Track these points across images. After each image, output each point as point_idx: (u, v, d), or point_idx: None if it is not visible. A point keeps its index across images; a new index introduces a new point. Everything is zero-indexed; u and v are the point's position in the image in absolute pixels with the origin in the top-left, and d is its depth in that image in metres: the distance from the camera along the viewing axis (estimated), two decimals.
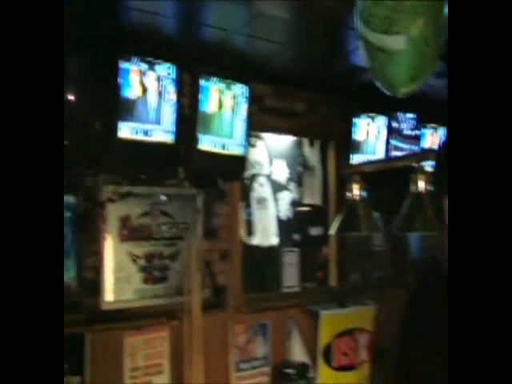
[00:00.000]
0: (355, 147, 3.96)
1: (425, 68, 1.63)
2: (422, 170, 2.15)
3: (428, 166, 2.23)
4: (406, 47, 1.50)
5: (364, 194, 2.50)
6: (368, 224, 2.42)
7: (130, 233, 3.13)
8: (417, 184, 2.19)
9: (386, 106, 3.91)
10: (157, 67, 2.98)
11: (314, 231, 4.16)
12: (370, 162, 2.66)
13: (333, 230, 2.50)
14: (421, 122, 4.35)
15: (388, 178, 2.68)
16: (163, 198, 3.25)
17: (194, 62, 3.21)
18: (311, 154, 4.20)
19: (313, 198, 4.18)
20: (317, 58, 3.44)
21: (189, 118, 3.16)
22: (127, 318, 3.06)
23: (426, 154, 2.95)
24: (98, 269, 3.00)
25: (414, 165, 2.24)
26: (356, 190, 2.48)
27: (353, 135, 3.95)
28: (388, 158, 3.11)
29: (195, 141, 3.13)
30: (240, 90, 3.34)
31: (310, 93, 3.99)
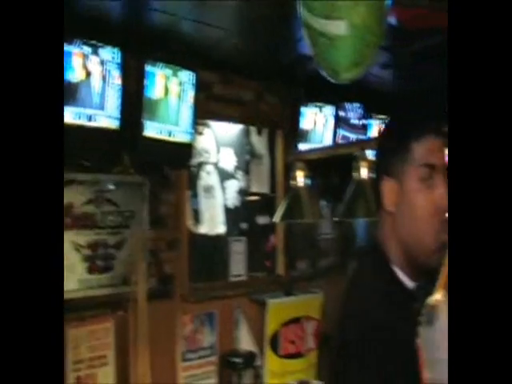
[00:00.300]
0: (303, 136, 3.98)
1: (366, 55, 1.64)
2: (363, 158, 2.18)
3: (371, 154, 2.27)
4: (347, 33, 1.51)
5: (308, 181, 2.51)
6: (312, 211, 2.43)
7: (73, 221, 3.03)
8: (359, 171, 2.23)
9: (334, 95, 3.94)
10: (100, 51, 2.89)
11: (262, 220, 4.16)
12: (313, 150, 2.66)
13: (277, 218, 2.49)
14: (368, 112, 4.41)
15: (332, 165, 2.70)
16: (109, 186, 3.17)
17: (140, 47, 3.14)
18: (259, 142, 4.19)
19: (260, 186, 4.18)
20: (264, 45, 3.42)
21: (134, 104, 3.09)
22: (70, 308, 2.97)
23: (367, 141, 2.99)
24: None
25: (357, 153, 2.28)
26: (300, 178, 2.48)
27: (300, 124, 3.97)
28: (331, 146, 3.14)
29: (140, 127, 3.06)
30: (187, 76, 3.29)
31: (257, 81, 3.98)
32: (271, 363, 3.86)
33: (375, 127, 4.53)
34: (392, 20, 3.25)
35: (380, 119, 4.56)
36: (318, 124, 4.07)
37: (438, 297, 1.45)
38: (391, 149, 1.21)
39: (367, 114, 4.41)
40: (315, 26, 1.53)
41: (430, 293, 1.24)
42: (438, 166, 1.15)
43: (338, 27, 1.49)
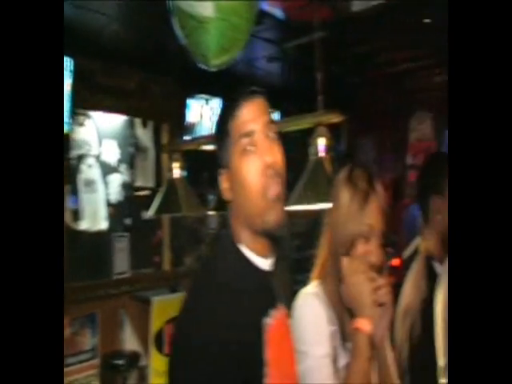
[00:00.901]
0: (189, 129, 3.89)
1: (235, 40, 1.59)
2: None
3: None
4: (215, 15, 1.44)
5: (184, 173, 2.42)
6: (188, 204, 2.34)
7: None
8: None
9: (220, 87, 3.88)
10: None
11: (147, 215, 4.01)
12: (190, 141, 2.56)
13: (151, 211, 2.38)
14: None
15: (210, 157, 2.61)
16: None
17: None
18: (144, 134, 4.03)
19: (146, 180, 4.02)
20: (148, 34, 3.28)
21: None
22: None
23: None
24: None
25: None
26: (176, 169, 2.39)
27: (186, 116, 3.87)
28: (207, 136, 3.06)
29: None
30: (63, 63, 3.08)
31: (142, 71, 3.82)
32: (156, 362, 3.73)
33: None
34: (279, 13, 3.26)
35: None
36: (204, 116, 4.00)
37: (308, 289, 1.44)
38: (217, 138, 1.20)
39: None
40: (184, 7, 1.46)
41: (283, 273, 1.24)
42: (255, 131, 1.13)
43: (206, 8, 1.42)
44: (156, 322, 3.73)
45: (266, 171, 1.12)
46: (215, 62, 1.60)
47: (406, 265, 2.00)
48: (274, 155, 1.14)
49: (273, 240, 1.19)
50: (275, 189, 1.13)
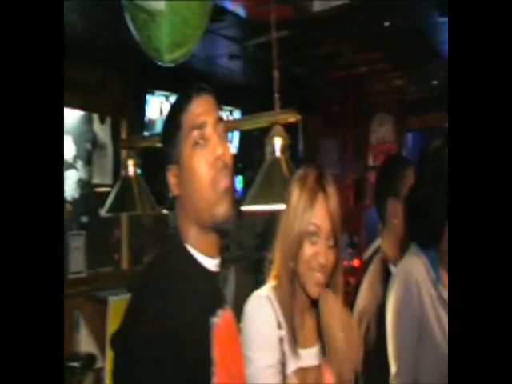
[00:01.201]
0: (148, 125, 3.83)
1: (188, 35, 1.55)
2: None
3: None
4: (167, 8, 1.41)
5: (139, 170, 2.37)
6: (143, 202, 2.29)
7: None
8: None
9: (179, 84, 3.84)
10: None
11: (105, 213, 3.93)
12: (147, 137, 2.50)
13: (105, 209, 2.32)
14: (217, 104, 4.36)
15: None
16: None
17: None
18: (102, 130, 3.94)
19: (104, 177, 3.93)
20: (107, 29, 3.21)
21: None
22: None
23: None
24: None
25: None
26: (131, 167, 2.34)
27: (146, 113, 3.81)
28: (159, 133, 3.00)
29: None
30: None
31: (100, 66, 3.74)
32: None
33: (223, 117, 4.50)
34: (240, 11, 3.24)
35: (228, 110, 4.55)
36: (164, 113, 3.94)
37: (260, 292, 1.42)
38: (167, 134, 1.18)
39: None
40: (136, 0, 1.42)
41: (224, 271, 1.22)
42: (207, 123, 1.13)
43: (157, 2, 1.39)
44: (113, 323, 3.65)
45: (215, 163, 1.12)
46: (168, 57, 1.57)
47: (366, 266, 2.00)
48: (224, 148, 1.14)
49: (221, 236, 1.18)
50: (224, 181, 1.13)
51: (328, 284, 1.36)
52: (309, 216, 1.32)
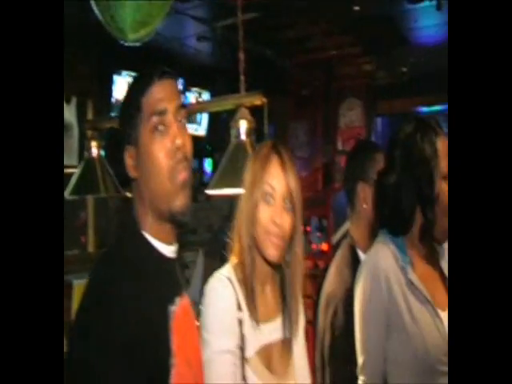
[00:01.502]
0: (115, 106, 3.77)
1: (152, 14, 1.53)
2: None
3: None
4: None
5: (103, 152, 2.32)
6: (106, 185, 2.26)
7: None
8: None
9: (147, 65, 3.78)
10: None
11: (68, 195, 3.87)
12: (113, 118, 2.44)
13: (68, 191, 2.28)
14: (185, 84, 4.32)
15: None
16: None
17: None
18: (67, 111, 3.86)
19: (70, 158, 3.86)
20: (72, 8, 3.12)
21: None
22: None
23: None
24: None
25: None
26: (94, 148, 2.29)
27: (112, 93, 3.75)
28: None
29: None
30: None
31: (66, 46, 3.64)
32: None
33: (192, 99, 4.46)
34: None
35: (196, 92, 4.50)
36: None
37: (221, 272, 1.41)
38: (125, 114, 1.14)
39: (184, 86, 4.32)
40: None
41: (182, 260, 1.21)
42: (168, 110, 1.10)
43: None
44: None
45: (174, 154, 1.09)
46: (132, 36, 1.54)
47: (335, 250, 1.99)
48: (184, 138, 1.11)
49: (177, 227, 1.16)
50: (183, 174, 1.10)
51: (288, 251, 1.36)
52: (263, 176, 1.32)
